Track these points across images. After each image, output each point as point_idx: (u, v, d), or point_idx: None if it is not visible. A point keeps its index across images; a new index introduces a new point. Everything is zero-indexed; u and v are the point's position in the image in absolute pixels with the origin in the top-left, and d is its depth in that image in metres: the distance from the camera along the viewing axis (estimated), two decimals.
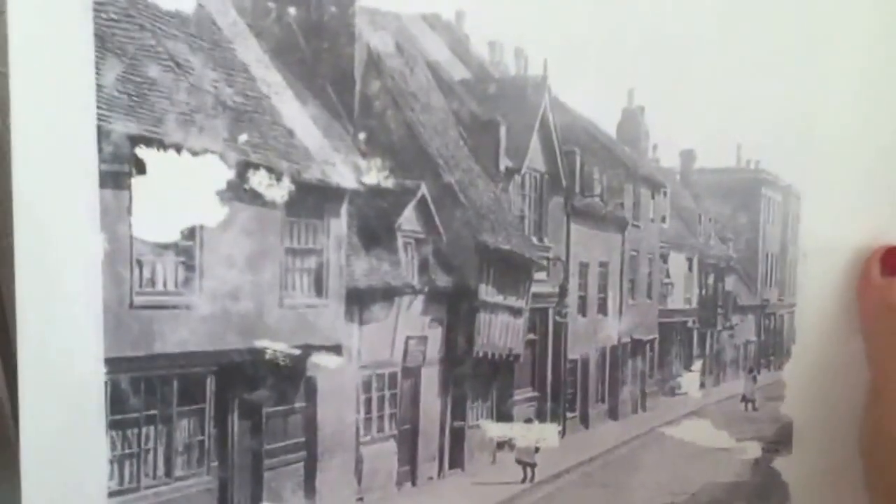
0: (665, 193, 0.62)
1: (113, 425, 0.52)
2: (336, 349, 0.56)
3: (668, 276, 0.63)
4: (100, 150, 0.50)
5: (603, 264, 0.63)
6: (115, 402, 0.52)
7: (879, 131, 0.53)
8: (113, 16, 0.50)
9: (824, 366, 0.54)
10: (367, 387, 0.57)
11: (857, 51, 0.53)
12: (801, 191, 0.55)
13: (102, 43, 0.50)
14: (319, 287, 0.56)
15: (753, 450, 0.57)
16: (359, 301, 0.56)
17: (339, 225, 0.56)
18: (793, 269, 0.55)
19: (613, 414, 0.62)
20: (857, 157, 0.54)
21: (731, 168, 0.57)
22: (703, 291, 0.63)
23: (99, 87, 0.50)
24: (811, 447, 0.56)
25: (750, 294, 0.61)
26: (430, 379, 0.59)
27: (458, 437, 0.59)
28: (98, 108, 0.50)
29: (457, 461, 0.60)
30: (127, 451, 0.53)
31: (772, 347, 0.59)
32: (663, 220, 0.63)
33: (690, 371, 0.60)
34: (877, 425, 0.51)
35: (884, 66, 0.53)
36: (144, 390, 0.53)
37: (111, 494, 0.52)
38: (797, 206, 0.55)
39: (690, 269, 0.63)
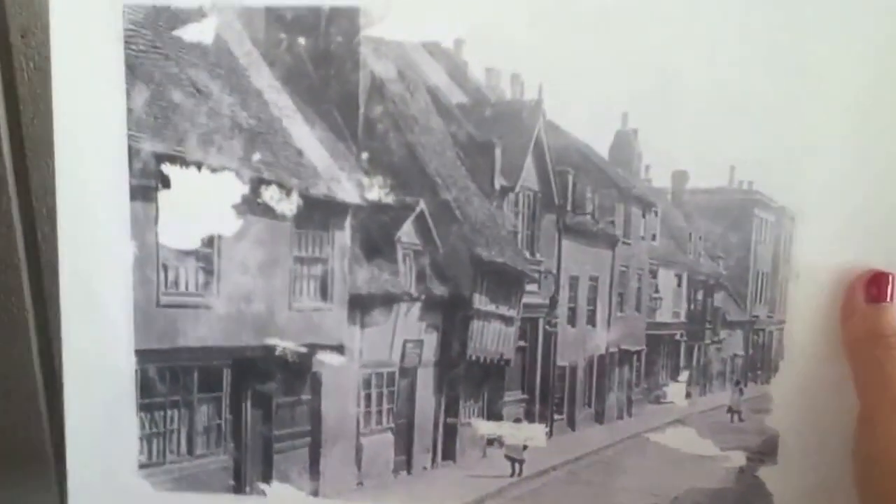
0: (656, 212, 0.62)
1: (142, 408, 0.59)
2: (339, 349, 0.60)
3: (657, 291, 0.62)
4: (130, 167, 0.56)
5: (593, 278, 0.63)
6: (145, 388, 0.58)
7: (876, 154, 0.53)
8: (142, 47, 0.55)
9: (812, 381, 0.54)
10: (367, 384, 0.60)
11: (853, 74, 0.52)
12: (795, 213, 0.54)
13: (132, 71, 0.55)
14: (325, 292, 0.60)
15: (738, 459, 0.58)
16: (361, 306, 0.60)
17: (344, 237, 0.59)
18: (784, 288, 0.55)
19: (599, 418, 0.63)
20: (853, 180, 0.53)
21: (724, 188, 0.56)
22: (692, 306, 0.62)
23: (129, 110, 0.55)
24: (797, 459, 0.57)
25: (739, 310, 0.61)
26: (426, 379, 0.62)
27: (450, 433, 0.62)
28: (129, 129, 0.55)
29: (449, 454, 0.62)
30: (154, 430, 0.59)
31: (759, 362, 0.59)
32: (653, 237, 0.63)
33: (677, 381, 0.61)
34: (869, 453, 0.50)
35: (879, 90, 0.52)
36: (169, 379, 0.58)
37: (141, 466, 0.60)
38: (791, 227, 0.55)
39: (679, 284, 0.62)
